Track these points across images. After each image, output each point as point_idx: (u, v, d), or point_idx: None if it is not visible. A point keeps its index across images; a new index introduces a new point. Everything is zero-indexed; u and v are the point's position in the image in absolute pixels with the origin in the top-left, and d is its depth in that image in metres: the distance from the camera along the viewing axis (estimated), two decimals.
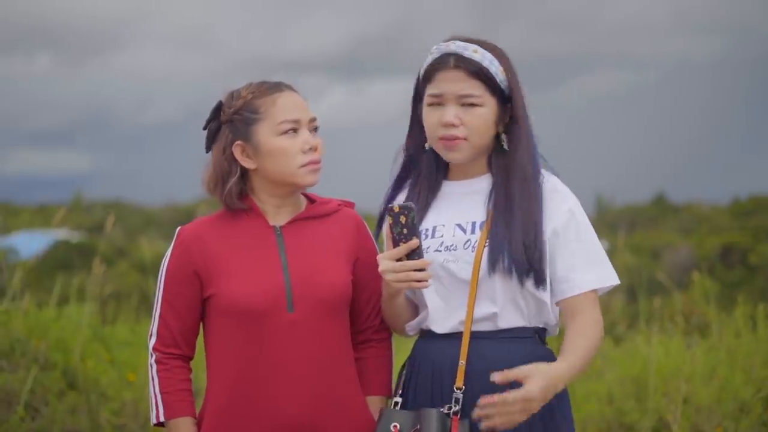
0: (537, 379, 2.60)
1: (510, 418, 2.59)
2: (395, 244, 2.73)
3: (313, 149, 2.86)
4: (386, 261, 2.73)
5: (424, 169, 2.92)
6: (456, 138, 2.81)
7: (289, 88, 2.90)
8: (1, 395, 5.34)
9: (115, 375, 5.74)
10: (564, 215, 2.83)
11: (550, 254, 2.81)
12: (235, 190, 2.88)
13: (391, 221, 2.73)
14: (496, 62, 2.83)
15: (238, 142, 2.87)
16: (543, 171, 2.87)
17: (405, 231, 2.72)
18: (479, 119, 2.81)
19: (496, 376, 2.61)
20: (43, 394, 5.46)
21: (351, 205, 3.02)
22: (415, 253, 2.72)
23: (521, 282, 2.77)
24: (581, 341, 2.76)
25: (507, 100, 2.86)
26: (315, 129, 2.90)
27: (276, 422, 2.80)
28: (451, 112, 2.81)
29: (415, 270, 2.71)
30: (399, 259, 2.72)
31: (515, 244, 2.77)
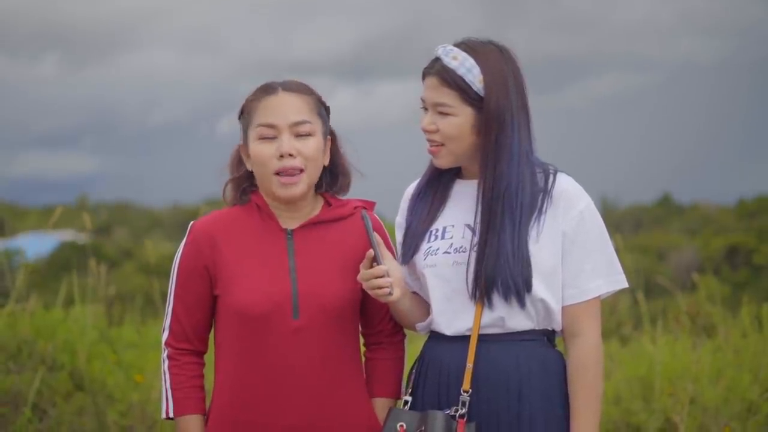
0: None
1: None
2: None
3: (287, 155, 2.76)
4: (362, 270, 2.73)
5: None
6: (435, 143, 2.78)
7: (286, 89, 2.81)
8: (8, 397, 5.34)
9: (122, 376, 5.74)
10: (573, 219, 2.77)
11: (561, 258, 2.76)
12: (234, 185, 2.87)
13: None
14: (476, 69, 2.74)
15: (240, 143, 2.87)
16: (557, 172, 2.79)
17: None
18: (451, 128, 2.76)
19: None
20: (50, 396, 5.46)
21: (371, 205, 2.95)
22: (374, 262, 2.71)
23: (505, 297, 2.72)
24: (583, 397, 2.77)
25: None
26: (307, 134, 2.79)
27: (276, 427, 2.78)
28: (427, 119, 2.78)
29: (378, 278, 2.69)
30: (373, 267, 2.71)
31: (494, 258, 2.71)
